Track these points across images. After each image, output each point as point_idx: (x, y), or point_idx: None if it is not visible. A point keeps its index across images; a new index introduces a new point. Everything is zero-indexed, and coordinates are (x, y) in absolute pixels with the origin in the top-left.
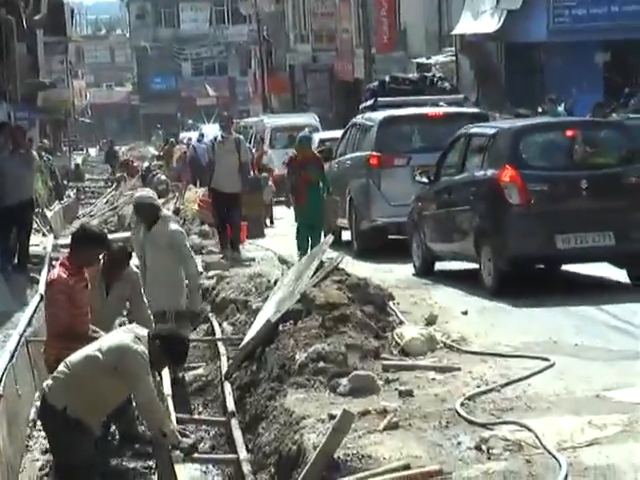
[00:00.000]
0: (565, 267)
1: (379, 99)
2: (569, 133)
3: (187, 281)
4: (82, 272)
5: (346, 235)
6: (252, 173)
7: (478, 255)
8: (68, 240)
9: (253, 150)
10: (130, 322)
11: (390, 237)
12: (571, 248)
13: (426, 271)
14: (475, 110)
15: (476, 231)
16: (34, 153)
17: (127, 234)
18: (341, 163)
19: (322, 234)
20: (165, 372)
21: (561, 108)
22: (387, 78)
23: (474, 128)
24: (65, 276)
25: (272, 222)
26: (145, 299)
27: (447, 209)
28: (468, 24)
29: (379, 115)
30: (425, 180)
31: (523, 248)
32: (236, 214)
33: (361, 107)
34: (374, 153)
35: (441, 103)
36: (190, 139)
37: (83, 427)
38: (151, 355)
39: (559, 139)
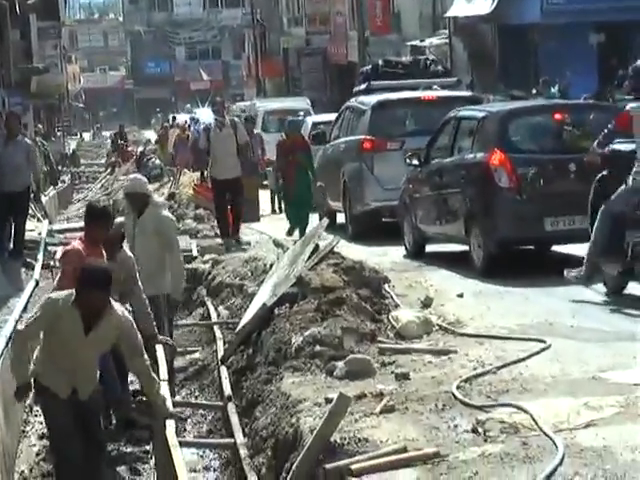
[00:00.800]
0: (554, 247)
1: (372, 83)
2: (557, 116)
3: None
4: (98, 248)
5: (341, 218)
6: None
7: (468, 237)
8: (63, 225)
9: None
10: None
11: (384, 220)
12: (559, 230)
13: (417, 253)
14: (468, 93)
15: (466, 214)
16: (28, 141)
17: (122, 219)
18: (335, 147)
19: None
20: (162, 359)
21: (555, 90)
22: (380, 62)
23: (463, 111)
24: (79, 248)
25: (275, 209)
26: (140, 284)
27: (437, 191)
28: (462, 6)
29: (372, 99)
30: (416, 162)
31: (512, 230)
32: (241, 199)
33: (355, 90)
34: (367, 137)
35: (434, 86)
36: (186, 122)
37: (50, 392)
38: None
39: (547, 122)
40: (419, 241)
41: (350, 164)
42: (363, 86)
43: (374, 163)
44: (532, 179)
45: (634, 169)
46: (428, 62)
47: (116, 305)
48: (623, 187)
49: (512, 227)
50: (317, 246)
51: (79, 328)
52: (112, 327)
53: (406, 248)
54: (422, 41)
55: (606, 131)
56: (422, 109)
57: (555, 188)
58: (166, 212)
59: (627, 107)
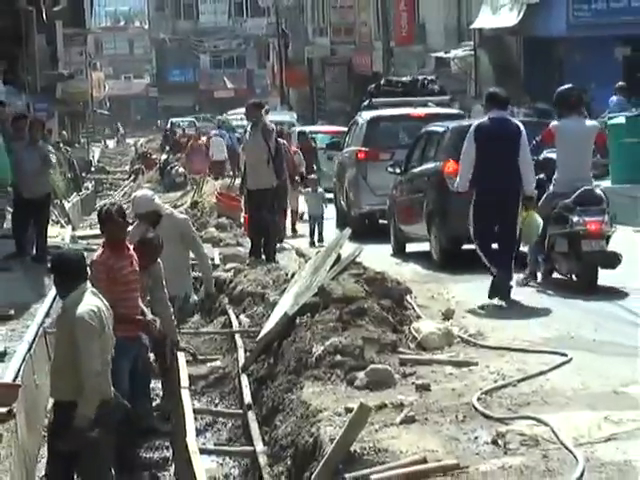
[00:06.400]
0: None
1: (374, 100)
2: None
3: (199, 265)
4: (121, 250)
5: None
6: None
7: (429, 234)
8: (86, 232)
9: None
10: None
11: (381, 222)
12: None
13: (400, 251)
14: (454, 111)
15: (427, 215)
16: (48, 146)
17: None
18: (342, 156)
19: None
20: (183, 366)
21: None
22: (382, 81)
23: (431, 127)
24: (104, 256)
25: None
26: (166, 291)
27: (410, 196)
28: (487, 18)
29: (369, 114)
30: (398, 171)
31: (461, 229)
32: (270, 214)
33: (362, 106)
34: (362, 148)
35: (429, 104)
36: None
37: None
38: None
39: None
40: (401, 240)
41: (349, 172)
42: (367, 102)
43: (367, 171)
44: None
45: (554, 176)
46: (426, 82)
47: None
48: (546, 193)
49: (461, 226)
50: (339, 256)
51: None
52: None
53: (392, 247)
54: (447, 52)
55: (534, 143)
56: (411, 124)
57: None
58: (182, 215)
59: (551, 124)
